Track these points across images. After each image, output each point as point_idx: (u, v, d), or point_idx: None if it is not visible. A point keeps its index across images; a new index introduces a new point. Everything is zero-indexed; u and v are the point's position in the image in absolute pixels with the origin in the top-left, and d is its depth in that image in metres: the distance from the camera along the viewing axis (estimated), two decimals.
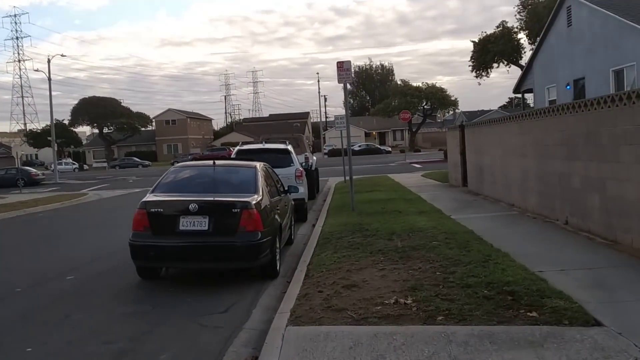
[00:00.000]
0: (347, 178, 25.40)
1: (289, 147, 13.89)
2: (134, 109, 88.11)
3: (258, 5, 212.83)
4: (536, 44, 23.37)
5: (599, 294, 5.68)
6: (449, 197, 15.81)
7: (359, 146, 77.04)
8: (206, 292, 7.45)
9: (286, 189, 10.43)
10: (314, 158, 22.76)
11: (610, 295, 5.68)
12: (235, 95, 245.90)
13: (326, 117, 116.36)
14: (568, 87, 20.17)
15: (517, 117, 12.30)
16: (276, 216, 8.31)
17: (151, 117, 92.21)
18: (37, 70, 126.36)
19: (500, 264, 7.01)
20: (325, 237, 10.39)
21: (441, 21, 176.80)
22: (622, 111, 7.62)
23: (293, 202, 11.17)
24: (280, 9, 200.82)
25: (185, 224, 7.32)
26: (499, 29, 37.56)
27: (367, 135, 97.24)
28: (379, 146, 77.93)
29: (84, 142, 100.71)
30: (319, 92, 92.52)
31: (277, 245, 8.17)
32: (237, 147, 14.26)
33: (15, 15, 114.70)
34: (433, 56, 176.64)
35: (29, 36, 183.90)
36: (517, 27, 37.31)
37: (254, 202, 7.51)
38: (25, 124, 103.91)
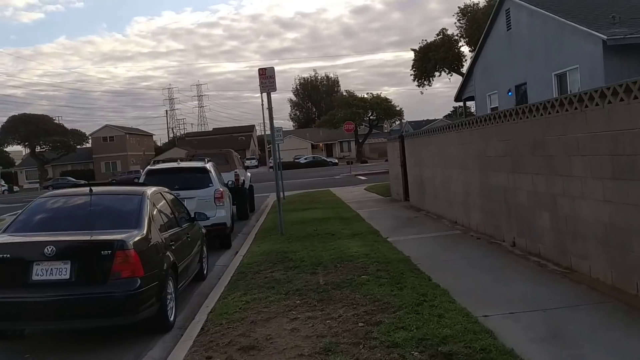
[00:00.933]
0: (283, 195, 24.20)
1: (208, 166, 12.34)
2: (75, 126, 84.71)
3: (202, 19, 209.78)
4: (476, 49, 22.61)
5: (559, 353, 4.41)
6: (389, 215, 14.59)
7: (305, 159, 75.96)
8: (71, 354, 5.85)
9: (193, 216, 8.90)
10: (248, 174, 21.23)
11: (573, 354, 4.41)
12: (180, 109, 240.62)
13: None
14: (510, 93, 19.40)
15: (457, 126, 11.17)
16: (169, 254, 6.76)
17: (87, 134, 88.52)
18: None
19: (436, 307, 5.70)
20: (241, 271, 8.91)
21: (385, 33, 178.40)
22: (573, 117, 6.49)
23: (204, 231, 9.63)
24: (225, 23, 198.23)
25: (40, 272, 5.70)
26: (439, 37, 37.07)
27: (313, 147, 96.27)
28: (325, 158, 76.91)
29: (19, 162, 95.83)
30: (262, 105, 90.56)
31: (170, 291, 6.63)
32: (148, 167, 12.62)
33: None
34: (379, 67, 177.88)
35: None
36: (457, 35, 36.90)
37: (131, 240, 5.96)
38: None
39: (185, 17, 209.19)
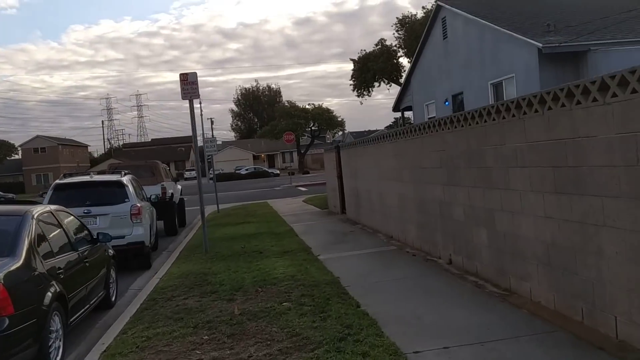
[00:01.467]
0: (218, 208, 23.15)
1: (124, 179, 11.26)
2: (9, 137, 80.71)
3: (142, 28, 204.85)
4: (413, 59, 22.33)
5: None
6: (324, 229, 13.86)
7: (246, 169, 74.76)
8: None
9: (95, 237, 7.87)
10: (178, 187, 20.10)
11: None
12: (119, 120, 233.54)
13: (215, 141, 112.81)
14: (447, 103, 19.13)
15: (391, 136, 10.57)
16: (55, 284, 5.75)
17: (17, 145, 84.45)
18: None
19: (362, 342, 4.95)
20: (153, 297, 7.95)
21: (328, 45, 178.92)
22: (511, 125, 5.92)
23: (111, 252, 8.60)
24: (165, 32, 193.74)
25: None
26: (378, 48, 36.86)
27: (255, 158, 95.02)
28: (267, 169, 75.86)
29: None
30: (202, 115, 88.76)
31: (56, 328, 5.62)
32: (56, 181, 11.43)
33: None
34: (322, 79, 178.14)
35: None
36: (396, 46, 36.82)
37: (0, 272, 4.95)
38: None
39: (125, 26, 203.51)
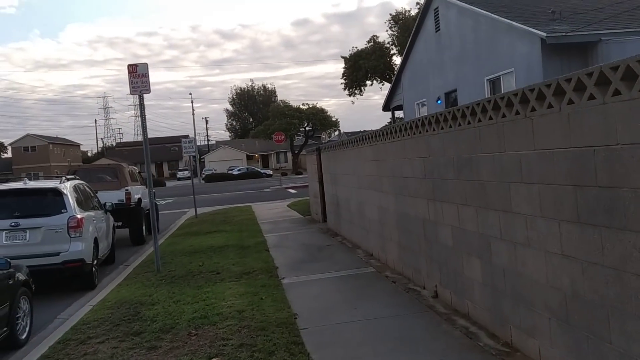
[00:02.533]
0: (196, 213, 21.55)
1: (63, 186, 9.67)
2: (7, 135, 79.04)
3: (140, 28, 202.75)
4: (404, 54, 20.76)
5: None
6: (299, 242, 12.29)
7: (239, 170, 73.22)
8: None
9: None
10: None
11: None
12: (116, 119, 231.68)
13: (208, 141, 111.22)
14: (439, 101, 17.56)
15: (370, 138, 9.01)
16: None
17: (6, 144, 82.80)
18: None
19: None
20: (65, 338, 6.41)
21: (325, 45, 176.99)
22: (513, 125, 4.37)
23: (22, 278, 7.02)
24: (164, 32, 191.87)
25: None
26: (370, 45, 35.23)
27: (249, 158, 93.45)
28: (259, 170, 74.26)
29: None
30: (193, 114, 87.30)
31: None
32: None
33: None
34: (319, 79, 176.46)
35: None
36: (389, 43, 35.21)
37: None
38: None
39: (123, 26, 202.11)
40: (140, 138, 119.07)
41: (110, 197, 14.47)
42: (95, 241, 10.21)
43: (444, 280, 6.30)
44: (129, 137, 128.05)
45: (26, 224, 9.14)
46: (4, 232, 9.07)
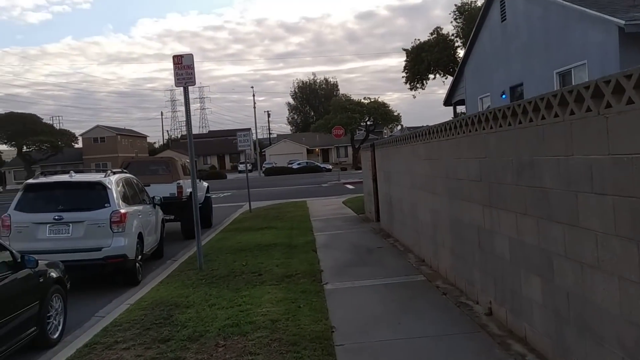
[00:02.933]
0: (250, 207, 21.33)
1: (108, 180, 9.52)
2: (81, 126, 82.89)
3: (207, 22, 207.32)
4: (467, 46, 19.76)
5: None
6: (349, 242, 11.75)
7: (298, 164, 73.26)
8: None
9: (19, 260, 6.09)
10: (204, 185, 18.38)
11: None
12: (182, 112, 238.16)
13: (270, 134, 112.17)
14: (504, 96, 16.53)
15: (423, 135, 8.36)
16: None
17: (77, 134, 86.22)
18: None
19: None
20: (94, 342, 6.15)
21: (390, 39, 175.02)
22: (584, 125, 3.67)
23: (54, 276, 6.80)
24: (230, 26, 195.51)
25: None
26: (433, 37, 34.07)
27: (309, 152, 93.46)
28: (319, 164, 74.05)
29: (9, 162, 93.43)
30: (255, 107, 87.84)
31: None
32: (26, 181, 9.81)
33: None
34: (383, 73, 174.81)
35: None
36: (453, 35, 33.94)
37: None
38: None
39: (191, 20, 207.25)
40: (204, 131, 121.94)
41: (162, 190, 14.41)
42: (140, 236, 10.03)
43: (499, 297, 5.62)
44: (194, 130, 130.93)
45: (69, 218, 9.03)
46: (48, 225, 8.99)
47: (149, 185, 15.18)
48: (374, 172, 14.35)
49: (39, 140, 75.67)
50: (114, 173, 10.29)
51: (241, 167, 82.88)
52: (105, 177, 9.70)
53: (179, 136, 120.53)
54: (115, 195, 9.45)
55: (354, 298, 7.13)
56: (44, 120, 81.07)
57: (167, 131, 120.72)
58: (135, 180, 11.34)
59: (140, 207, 10.60)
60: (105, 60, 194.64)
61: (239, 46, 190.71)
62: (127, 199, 10.03)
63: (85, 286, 9.43)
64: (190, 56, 9.51)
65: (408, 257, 9.59)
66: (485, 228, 5.84)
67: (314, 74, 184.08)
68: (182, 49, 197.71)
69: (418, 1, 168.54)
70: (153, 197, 12.18)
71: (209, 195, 18.73)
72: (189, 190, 15.91)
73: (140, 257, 9.93)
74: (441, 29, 34.39)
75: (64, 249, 8.89)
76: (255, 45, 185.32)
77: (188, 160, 18.90)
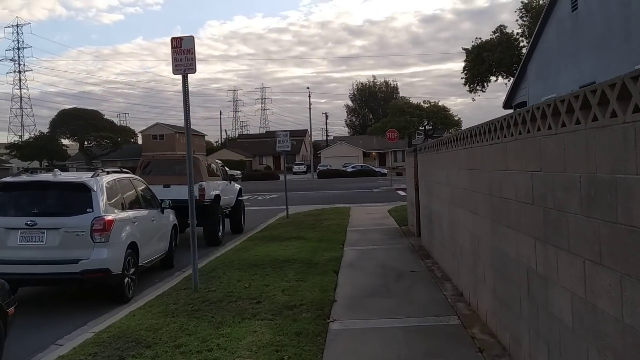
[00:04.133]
0: (287, 213, 19.94)
1: (93, 180, 8.18)
2: (147, 124, 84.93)
3: (272, 25, 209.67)
4: (530, 42, 17.60)
5: None
6: (380, 262, 10.05)
7: (353, 167, 71.56)
8: None
9: None
10: (236, 187, 17.05)
11: None
12: (244, 112, 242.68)
13: (327, 136, 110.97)
14: None
15: (464, 139, 6.59)
16: None
17: (137, 131, 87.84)
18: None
19: None
20: None
21: (454, 43, 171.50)
22: None
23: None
24: (294, 29, 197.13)
25: None
26: (496, 35, 31.61)
27: (365, 155, 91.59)
28: (374, 168, 72.02)
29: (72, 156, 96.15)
30: (310, 108, 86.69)
31: None
32: (3, 179, 8.60)
33: (17, 26, 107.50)
34: (446, 77, 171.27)
35: (30, 47, 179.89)
36: (517, 34, 31.38)
37: None
38: (22, 136, 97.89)
39: (256, 22, 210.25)
40: (263, 131, 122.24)
41: (183, 192, 13.14)
42: (133, 246, 8.67)
43: None
44: (254, 130, 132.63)
45: (44, 224, 7.75)
46: (19, 231, 7.74)
47: (169, 186, 13.94)
48: (416, 180, 12.59)
49: (99, 136, 77.31)
50: (107, 173, 8.99)
51: (295, 168, 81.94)
52: (91, 177, 8.38)
53: (237, 135, 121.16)
54: (100, 199, 8.11)
55: (362, 347, 5.48)
56: (105, 117, 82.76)
57: (226, 130, 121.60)
58: (135, 182, 10.03)
59: (136, 213, 9.25)
60: None
61: (302, 48, 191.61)
62: (119, 204, 8.70)
63: (73, 297, 8.26)
64: (190, 38, 8.07)
65: (444, 287, 7.82)
66: (538, 272, 4.07)
67: (374, 76, 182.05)
68: (246, 50, 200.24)
69: (485, 5, 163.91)
70: (162, 201, 10.85)
71: (240, 198, 17.39)
72: (213, 192, 14.63)
73: (132, 270, 8.58)
74: (505, 27, 31.88)
75: (37, 259, 7.65)
76: (319, 47, 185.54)
77: (217, 160, 17.74)
